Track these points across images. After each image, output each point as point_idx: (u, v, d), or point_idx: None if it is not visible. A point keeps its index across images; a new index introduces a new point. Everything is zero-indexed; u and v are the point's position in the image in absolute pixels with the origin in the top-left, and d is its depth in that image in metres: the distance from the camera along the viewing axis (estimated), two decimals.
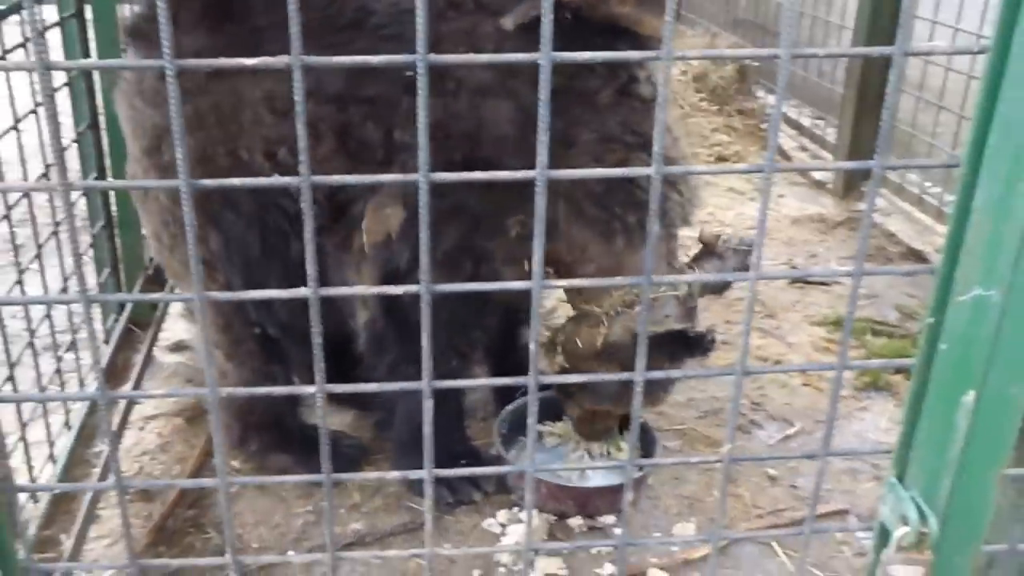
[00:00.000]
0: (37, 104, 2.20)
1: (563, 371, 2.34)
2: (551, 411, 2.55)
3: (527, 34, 1.92)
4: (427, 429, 1.08)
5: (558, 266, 2.16)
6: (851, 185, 4.41)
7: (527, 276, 2.30)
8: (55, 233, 2.37)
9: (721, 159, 4.71)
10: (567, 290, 2.32)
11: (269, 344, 2.24)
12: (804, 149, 4.98)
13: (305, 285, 2.49)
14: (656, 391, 2.30)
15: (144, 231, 2.32)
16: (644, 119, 2.04)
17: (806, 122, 5.07)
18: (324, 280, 2.13)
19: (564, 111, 1.90)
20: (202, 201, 2.00)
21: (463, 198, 1.98)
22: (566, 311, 2.41)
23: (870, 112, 4.22)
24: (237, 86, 1.97)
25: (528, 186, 2.25)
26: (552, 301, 2.99)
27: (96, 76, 2.60)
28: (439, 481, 2.32)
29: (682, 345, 2.10)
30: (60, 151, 0.91)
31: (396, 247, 2.01)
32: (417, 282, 2.23)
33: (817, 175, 4.66)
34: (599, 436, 2.47)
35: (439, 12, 1.90)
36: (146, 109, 2.05)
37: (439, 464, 2.54)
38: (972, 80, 3.60)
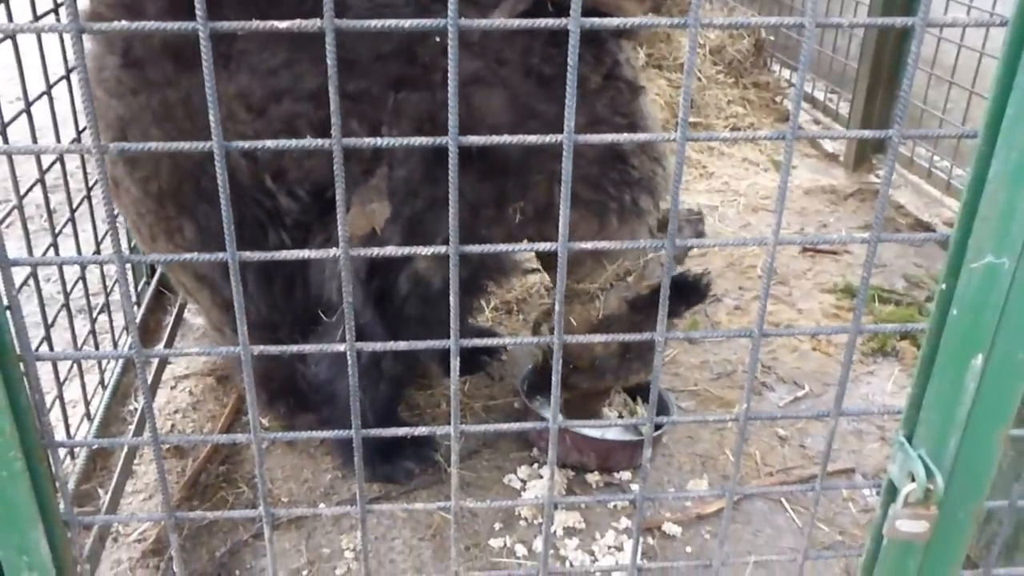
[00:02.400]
0: (69, 69, 2.23)
1: (546, 355, 2.40)
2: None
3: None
4: (454, 387, 1.12)
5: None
6: (862, 157, 4.46)
7: (525, 260, 2.32)
8: (87, 197, 2.42)
9: (736, 130, 4.78)
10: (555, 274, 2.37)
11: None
12: (817, 122, 5.03)
13: (281, 277, 2.51)
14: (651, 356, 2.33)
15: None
16: (629, 101, 2.08)
17: (819, 95, 5.11)
18: (304, 278, 2.09)
19: (556, 98, 1.87)
20: (175, 192, 2.00)
21: (461, 187, 1.96)
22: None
23: (883, 86, 4.27)
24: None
25: (527, 173, 2.30)
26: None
27: None
28: (387, 462, 2.39)
29: (679, 294, 2.09)
30: (94, 114, 0.94)
31: (382, 242, 1.98)
32: (407, 275, 2.22)
33: (829, 147, 4.70)
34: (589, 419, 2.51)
35: (427, 4, 1.86)
36: (108, 100, 1.95)
37: (382, 444, 2.56)
38: (984, 57, 3.63)
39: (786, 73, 5.37)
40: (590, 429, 2.38)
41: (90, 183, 2.44)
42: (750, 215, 3.98)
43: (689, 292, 2.13)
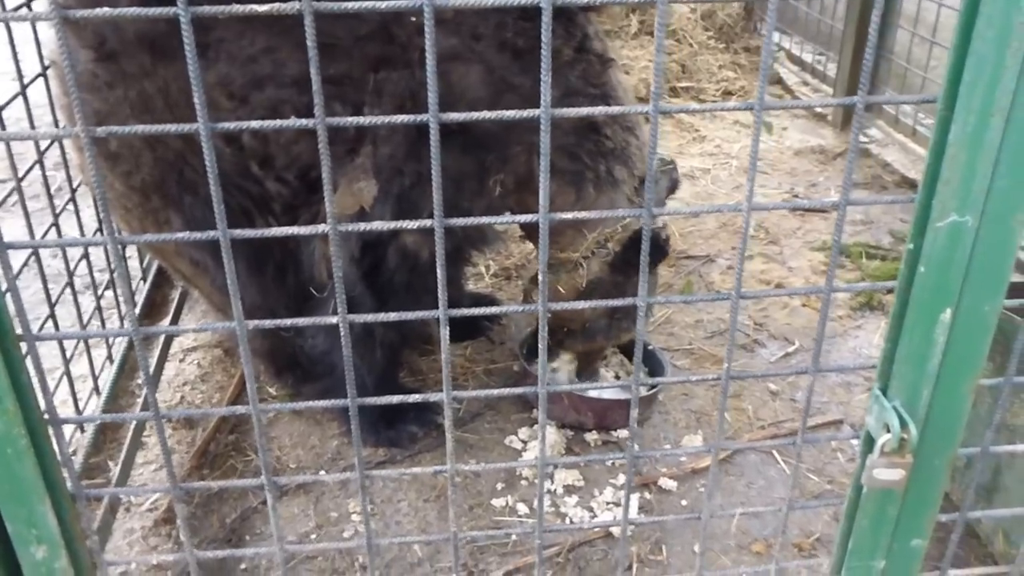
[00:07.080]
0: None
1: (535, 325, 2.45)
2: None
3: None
4: (444, 356, 1.16)
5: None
6: (850, 117, 4.51)
7: (509, 229, 2.31)
8: None
9: (728, 94, 4.83)
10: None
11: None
12: (806, 84, 5.06)
13: (272, 265, 2.53)
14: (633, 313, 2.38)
15: None
16: (600, 73, 2.09)
17: (808, 58, 5.15)
18: (295, 263, 2.14)
19: (531, 70, 1.93)
20: (160, 184, 2.02)
21: (443, 162, 1.96)
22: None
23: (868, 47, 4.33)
24: (187, 69, 1.86)
25: (506, 146, 2.32)
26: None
27: None
28: (391, 427, 2.44)
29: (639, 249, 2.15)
30: (80, 99, 0.96)
31: (371, 219, 1.99)
32: (395, 249, 2.24)
33: (818, 108, 4.72)
34: (587, 378, 2.58)
35: None
36: (83, 95, 1.92)
37: (385, 410, 2.58)
38: None
39: (776, 36, 5.38)
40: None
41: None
42: (742, 177, 4.00)
43: (651, 249, 2.19)
